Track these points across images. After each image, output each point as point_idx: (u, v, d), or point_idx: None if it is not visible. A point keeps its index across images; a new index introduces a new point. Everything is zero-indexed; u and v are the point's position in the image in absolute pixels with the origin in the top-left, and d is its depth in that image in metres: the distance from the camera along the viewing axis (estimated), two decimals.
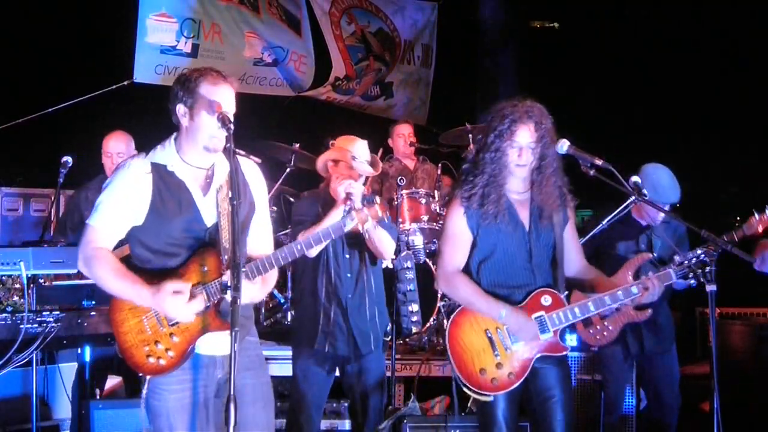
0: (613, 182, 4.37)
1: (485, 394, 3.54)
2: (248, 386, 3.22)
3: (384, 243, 4.33)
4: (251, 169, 3.40)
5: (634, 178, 4.53)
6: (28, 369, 4.71)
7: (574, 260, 3.75)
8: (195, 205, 3.20)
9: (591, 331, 4.58)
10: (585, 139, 4.45)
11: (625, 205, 4.51)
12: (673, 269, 3.72)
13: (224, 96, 3.17)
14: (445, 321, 6.06)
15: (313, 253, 4.09)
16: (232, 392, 2.79)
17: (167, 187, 3.18)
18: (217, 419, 3.16)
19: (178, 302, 3.05)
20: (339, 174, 4.36)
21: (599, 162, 3.65)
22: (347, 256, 4.40)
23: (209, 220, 3.21)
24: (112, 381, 5.30)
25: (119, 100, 7.25)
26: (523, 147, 3.52)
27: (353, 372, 4.45)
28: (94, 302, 4.43)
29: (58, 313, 4.23)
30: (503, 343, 3.55)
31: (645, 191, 4.44)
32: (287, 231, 6.20)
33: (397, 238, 4.54)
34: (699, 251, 3.75)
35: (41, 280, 4.50)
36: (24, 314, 4.12)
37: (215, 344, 3.19)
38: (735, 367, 5.69)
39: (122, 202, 3.17)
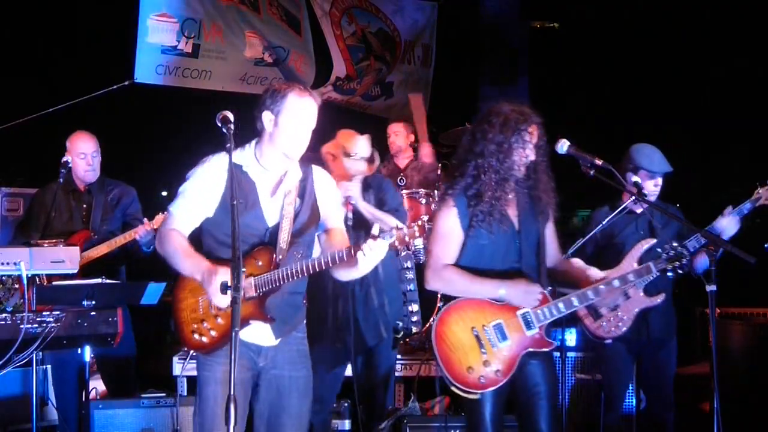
0: (613, 182, 4.38)
1: (472, 392, 3.56)
2: (285, 378, 3.48)
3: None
4: (322, 176, 3.61)
5: (635, 178, 4.54)
6: (28, 369, 4.71)
7: (552, 255, 3.81)
8: (259, 205, 3.44)
9: (604, 324, 4.49)
10: (585, 139, 4.46)
11: (625, 204, 4.51)
12: (653, 263, 3.74)
13: (308, 107, 3.41)
14: None
15: None
16: (232, 392, 2.85)
17: (239, 185, 3.37)
18: (245, 406, 3.43)
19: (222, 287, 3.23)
20: (335, 169, 4.36)
21: (599, 162, 3.66)
22: None
23: (271, 221, 3.44)
24: (96, 383, 5.29)
25: (119, 100, 7.25)
26: (533, 144, 3.60)
27: (361, 368, 4.50)
28: (94, 302, 4.42)
29: (58, 313, 4.23)
30: (490, 341, 3.57)
31: (644, 190, 4.45)
32: None
33: (405, 219, 4.52)
34: (674, 244, 3.75)
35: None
36: (24, 314, 4.13)
37: (260, 334, 3.43)
38: (735, 367, 5.69)
39: (198, 193, 3.44)
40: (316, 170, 3.60)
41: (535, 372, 3.60)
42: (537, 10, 8.79)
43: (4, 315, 4.14)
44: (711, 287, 3.71)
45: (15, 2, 7.43)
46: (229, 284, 3.09)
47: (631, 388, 5.00)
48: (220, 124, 3.30)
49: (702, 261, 4.46)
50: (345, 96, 8.83)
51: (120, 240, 5.04)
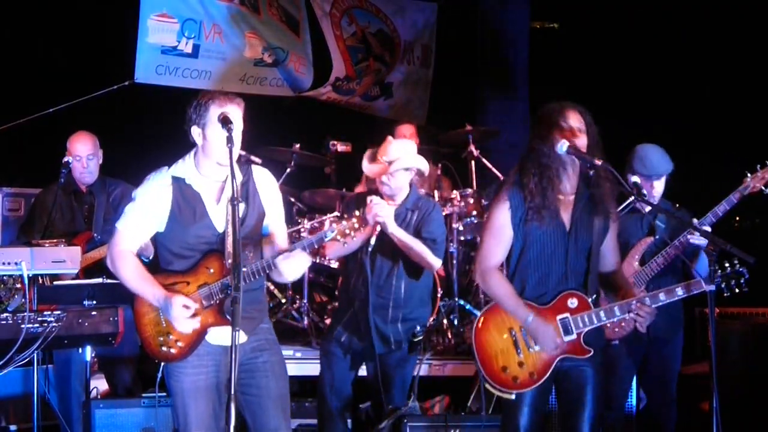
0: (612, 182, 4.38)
1: (508, 392, 3.60)
2: (259, 363, 3.61)
3: (423, 256, 4.49)
4: (262, 175, 3.69)
5: (634, 178, 4.55)
6: (29, 368, 4.72)
7: (611, 263, 3.82)
8: (207, 214, 3.53)
9: (608, 324, 4.50)
10: None
11: (624, 205, 4.51)
12: (704, 279, 3.76)
13: (232, 115, 3.47)
14: (445, 321, 6.10)
15: None
16: (232, 392, 2.96)
17: (184, 198, 3.53)
18: (217, 412, 3.55)
19: (182, 315, 3.46)
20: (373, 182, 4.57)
21: (599, 162, 3.66)
22: (373, 258, 4.53)
23: (220, 227, 3.53)
24: (98, 382, 5.30)
25: (119, 100, 7.25)
26: (574, 128, 3.61)
27: (371, 371, 4.64)
28: (95, 302, 4.43)
29: (59, 312, 4.23)
30: (527, 343, 3.62)
31: (643, 190, 4.45)
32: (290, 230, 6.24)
33: (442, 252, 4.63)
34: (735, 262, 3.87)
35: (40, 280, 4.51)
36: (25, 314, 4.13)
37: (224, 335, 3.47)
38: (735, 366, 5.69)
39: (144, 210, 3.57)
40: (256, 170, 3.71)
41: (580, 376, 3.63)
42: (537, 11, 8.78)
43: (5, 315, 4.15)
44: (710, 287, 3.71)
45: (15, 2, 7.43)
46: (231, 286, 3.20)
47: (633, 388, 5.00)
48: (220, 125, 3.38)
49: (702, 262, 4.47)
50: (344, 96, 8.82)
51: None
